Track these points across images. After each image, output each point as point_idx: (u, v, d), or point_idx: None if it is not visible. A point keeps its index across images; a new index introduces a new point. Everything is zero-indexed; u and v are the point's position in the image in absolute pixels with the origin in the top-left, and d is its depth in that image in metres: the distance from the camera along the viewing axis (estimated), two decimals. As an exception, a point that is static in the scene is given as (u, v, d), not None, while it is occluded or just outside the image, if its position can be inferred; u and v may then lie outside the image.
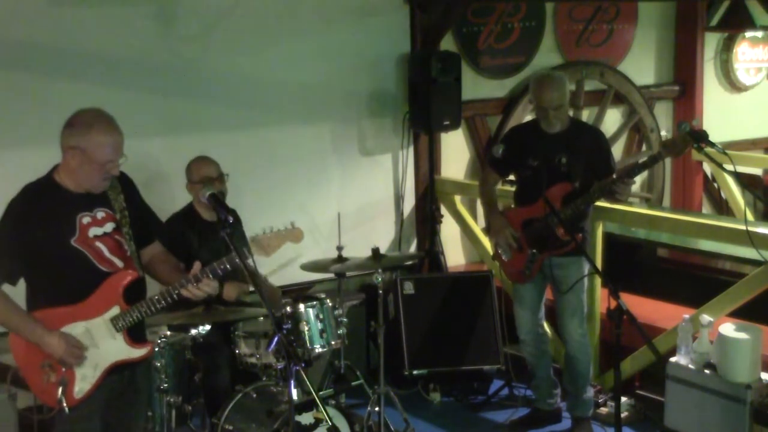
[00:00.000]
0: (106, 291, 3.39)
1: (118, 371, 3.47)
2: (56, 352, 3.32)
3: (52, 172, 3.42)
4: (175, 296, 3.42)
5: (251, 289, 4.88)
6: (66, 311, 3.37)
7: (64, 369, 3.35)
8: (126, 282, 3.41)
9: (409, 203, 6.51)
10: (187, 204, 4.96)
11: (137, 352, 3.48)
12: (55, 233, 3.32)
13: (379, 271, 4.86)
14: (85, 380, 3.39)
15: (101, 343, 3.40)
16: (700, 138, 4.51)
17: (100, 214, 3.43)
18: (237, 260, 3.35)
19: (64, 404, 3.32)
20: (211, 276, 3.40)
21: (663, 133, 7.56)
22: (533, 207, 4.88)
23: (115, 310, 3.40)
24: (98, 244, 3.39)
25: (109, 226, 3.43)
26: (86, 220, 3.39)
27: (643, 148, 7.63)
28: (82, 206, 3.39)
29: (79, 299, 3.37)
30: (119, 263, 3.43)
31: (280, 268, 5.64)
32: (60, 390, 3.32)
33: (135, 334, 3.48)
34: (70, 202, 3.37)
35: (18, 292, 3.46)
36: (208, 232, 4.82)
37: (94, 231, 3.39)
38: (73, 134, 3.31)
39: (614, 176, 4.84)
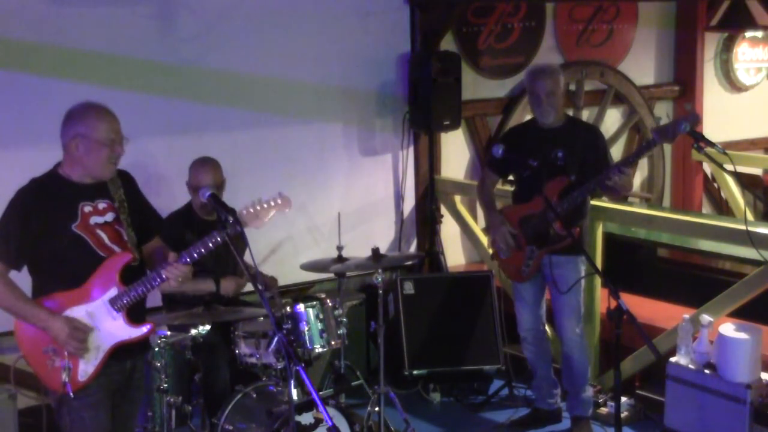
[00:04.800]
0: (103, 274, 3.50)
1: (119, 359, 3.56)
2: (59, 336, 3.42)
3: (55, 167, 3.57)
4: (164, 276, 3.50)
5: (249, 284, 4.88)
6: (68, 296, 3.48)
7: (66, 352, 3.44)
8: (121, 264, 3.52)
9: (409, 203, 6.51)
10: (187, 203, 4.95)
11: (138, 332, 3.57)
12: (57, 218, 3.46)
13: (379, 271, 4.86)
14: (88, 363, 3.49)
15: (102, 324, 3.50)
16: (694, 118, 4.55)
17: (101, 205, 3.56)
18: (224, 236, 3.50)
19: (69, 389, 3.41)
20: (194, 256, 3.55)
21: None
22: (530, 203, 4.92)
23: (113, 292, 3.51)
24: (99, 231, 3.52)
25: (109, 216, 3.56)
26: (87, 208, 3.52)
27: (644, 148, 7.63)
28: (84, 196, 3.53)
29: (79, 284, 3.48)
30: (118, 251, 3.54)
31: (280, 268, 5.63)
32: (65, 374, 3.42)
33: (134, 314, 3.57)
34: (73, 191, 3.52)
35: (22, 285, 3.53)
36: (206, 231, 4.79)
37: (95, 219, 3.52)
38: (73, 124, 3.48)
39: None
